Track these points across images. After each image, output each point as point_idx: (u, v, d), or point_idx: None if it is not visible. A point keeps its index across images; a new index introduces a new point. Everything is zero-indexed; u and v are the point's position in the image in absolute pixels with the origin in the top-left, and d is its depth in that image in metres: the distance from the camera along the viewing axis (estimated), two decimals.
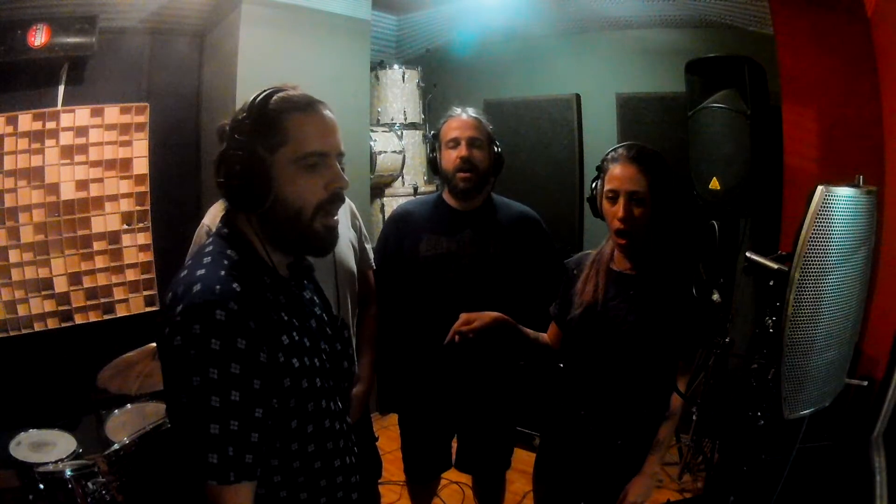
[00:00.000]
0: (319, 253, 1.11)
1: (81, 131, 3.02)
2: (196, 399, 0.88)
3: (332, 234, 1.07)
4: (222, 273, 0.96)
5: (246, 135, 1.00)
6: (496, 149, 2.11)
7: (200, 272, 0.96)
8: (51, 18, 2.78)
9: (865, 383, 1.77)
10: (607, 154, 1.65)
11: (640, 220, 1.58)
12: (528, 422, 3.27)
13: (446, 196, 2.15)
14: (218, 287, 0.92)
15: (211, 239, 1.06)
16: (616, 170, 1.59)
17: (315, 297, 1.19)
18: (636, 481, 1.65)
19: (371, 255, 2.14)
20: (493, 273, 2.07)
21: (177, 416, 0.93)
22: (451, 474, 2.40)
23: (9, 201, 2.86)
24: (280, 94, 1.04)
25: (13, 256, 2.89)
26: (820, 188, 1.16)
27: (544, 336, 1.88)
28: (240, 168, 0.99)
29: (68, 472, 2.21)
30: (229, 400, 0.89)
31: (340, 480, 1.11)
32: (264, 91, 1.04)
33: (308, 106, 1.04)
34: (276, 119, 1.01)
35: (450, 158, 2.06)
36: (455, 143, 2.05)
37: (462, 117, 2.08)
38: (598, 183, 1.66)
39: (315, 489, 1.06)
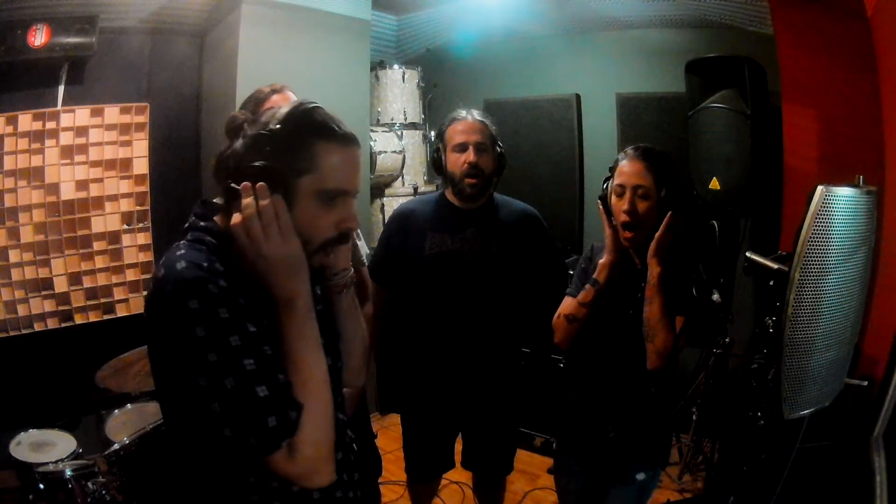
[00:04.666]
0: None
1: (81, 131, 3.01)
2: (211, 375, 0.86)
3: (321, 274, 1.06)
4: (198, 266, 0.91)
5: (271, 152, 0.94)
6: (499, 150, 2.12)
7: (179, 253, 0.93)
8: (51, 18, 2.78)
9: (865, 383, 1.78)
10: (618, 154, 1.73)
11: (646, 215, 1.64)
12: (529, 422, 3.28)
13: (449, 195, 2.15)
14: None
15: (191, 234, 1.00)
16: (624, 166, 1.68)
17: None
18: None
19: (364, 252, 2.13)
20: (495, 270, 2.08)
21: (192, 399, 0.89)
22: (452, 474, 2.39)
23: (9, 201, 2.86)
24: (319, 116, 0.99)
25: (13, 256, 2.89)
26: (820, 188, 1.16)
27: None
28: (256, 183, 0.93)
29: (68, 472, 2.21)
30: (244, 370, 0.87)
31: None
32: (302, 105, 0.99)
33: (342, 138, 1.00)
34: (308, 143, 0.96)
35: (457, 162, 2.06)
36: (462, 147, 2.05)
37: (468, 120, 2.08)
38: (609, 183, 1.72)
39: (286, 494, 1.00)
